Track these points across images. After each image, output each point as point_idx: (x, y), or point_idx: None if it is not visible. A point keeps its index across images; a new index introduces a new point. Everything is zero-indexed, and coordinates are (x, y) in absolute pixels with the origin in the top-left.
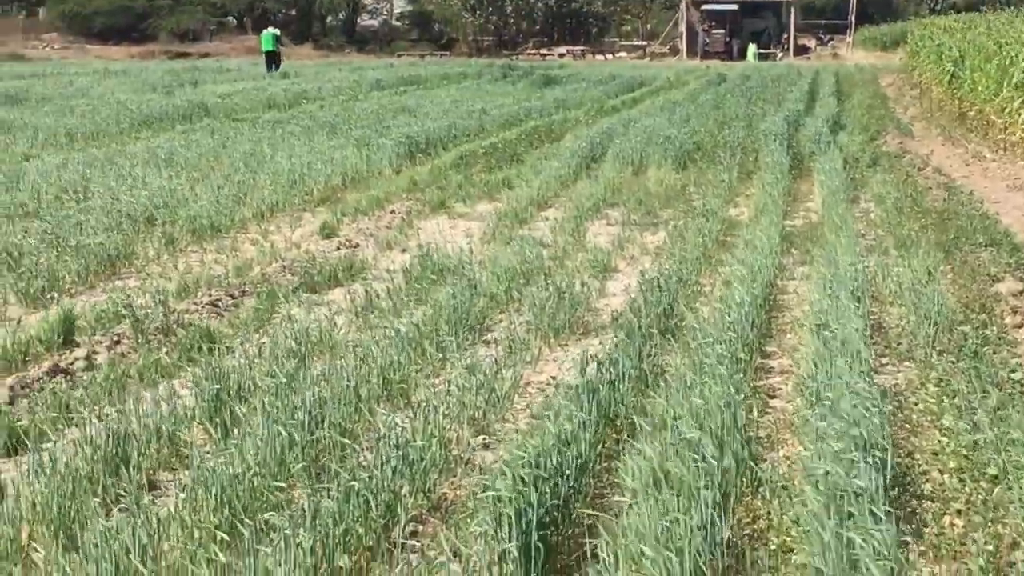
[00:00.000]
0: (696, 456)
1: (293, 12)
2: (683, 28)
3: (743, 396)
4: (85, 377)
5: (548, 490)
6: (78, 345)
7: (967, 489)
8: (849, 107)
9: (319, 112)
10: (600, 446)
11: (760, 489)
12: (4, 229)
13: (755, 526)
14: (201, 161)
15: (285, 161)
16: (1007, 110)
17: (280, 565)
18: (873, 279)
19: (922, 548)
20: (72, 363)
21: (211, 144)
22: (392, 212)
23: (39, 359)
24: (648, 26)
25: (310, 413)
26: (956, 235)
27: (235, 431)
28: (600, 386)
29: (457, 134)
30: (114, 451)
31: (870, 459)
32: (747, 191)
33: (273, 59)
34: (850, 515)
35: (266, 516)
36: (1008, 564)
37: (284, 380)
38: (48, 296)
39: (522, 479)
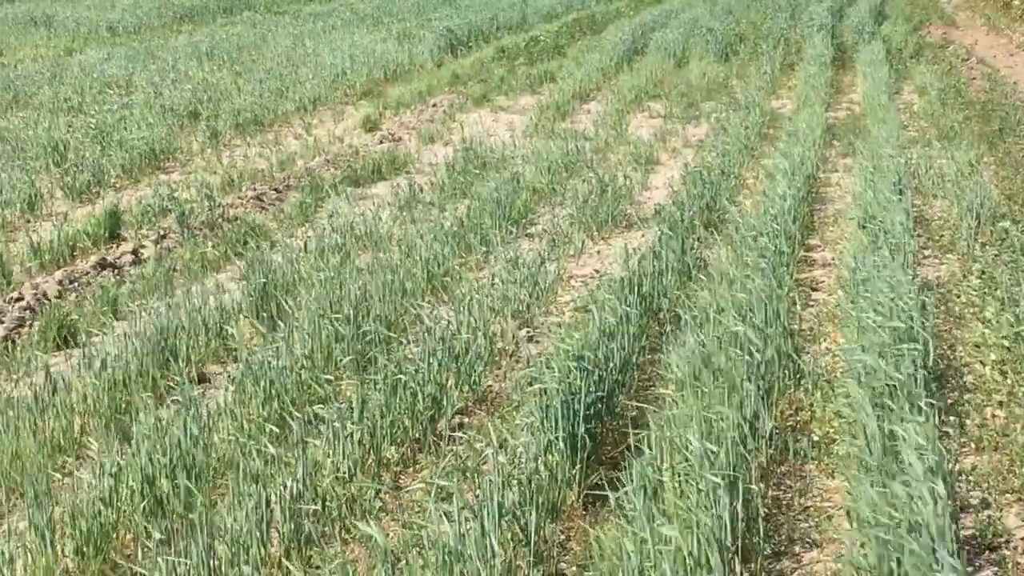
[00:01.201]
0: (739, 349)
1: None
2: None
3: (786, 289)
4: (132, 271)
5: (593, 382)
6: (124, 239)
7: (1009, 381)
8: None
9: (360, 4)
10: (644, 339)
11: (803, 381)
12: (49, 124)
13: (797, 418)
14: (243, 54)
15: (327, 54)
16: None
17: (329, 456)
18: (916, 171)
19: (963, 439)
20: (119, 257)
21: (252, 37)
22: (434, 106)
23: (86, 253)
24: None
25: (356, 307)
26: (1000, 127)
27: (282, 324)
28: (643, 279)
29: (499, 26)
30: (162, 344)
31: (912, 351)
32: (789, 83)
33: None
34: (891, 407)
35: (314, 409)
36: None
37: (330, 274)
38: (93, 191)
39: (568, 371)
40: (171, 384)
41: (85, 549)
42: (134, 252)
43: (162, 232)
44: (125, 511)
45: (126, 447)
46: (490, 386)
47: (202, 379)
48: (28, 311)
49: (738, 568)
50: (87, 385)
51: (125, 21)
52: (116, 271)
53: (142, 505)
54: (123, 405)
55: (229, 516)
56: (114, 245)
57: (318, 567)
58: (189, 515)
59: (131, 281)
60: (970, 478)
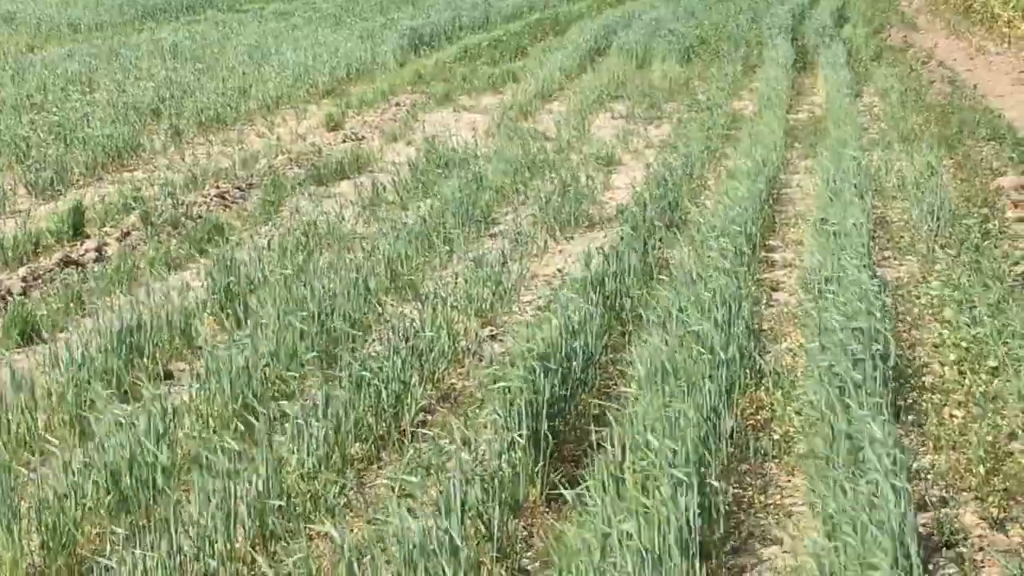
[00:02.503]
0: (700, 348)
1: None
2: None
3: (747, 289)
4: (96, 268)
5: (556, 381)
6: (88, 236)
7: (967, 381)
8: (854, 0)
9: (323, 4)
10: (606, 337)
11: (763, 380)
12: (12, 121)
13: (758, 416)
14: (206, 53)
15: (290, 53)
16: (1012, 3)
17: (293, 453)
18: (876, 173)
19: (923, 438)
20: (83, 254)
21: (215, 35)
22: (397, 105)
23: (50, 250)
24: None
25: (320, 305)
26: (959, 129)
27: (246, 322)
28: (606, 279)
29: (462, 26)
30: (127, 341)
31: (872, 351)
32: (751, 84)
33: None
34: (851, 406)
35: (279, 405)
36: (1006, 454)
37: (293, 272)
38: (57, 188)
39: (531, 369)
40: (136, 381)
41: (51, 544)
42: (98, 249)
43: (126, 230)
44: (90, 507)
45: (90, 443)
46: (454, 384)
47: (167, 376)
48: None
49: (698, 564)
50: (51, 382)
51: (87, 18)
52: (80, 268)
53: (107, 500)
54: (87, 402)
55: (194, 512)
56: (78, 242)
57: (283, 562)
58: (154, 511)
59: (95, 278)
60: (929, 476)
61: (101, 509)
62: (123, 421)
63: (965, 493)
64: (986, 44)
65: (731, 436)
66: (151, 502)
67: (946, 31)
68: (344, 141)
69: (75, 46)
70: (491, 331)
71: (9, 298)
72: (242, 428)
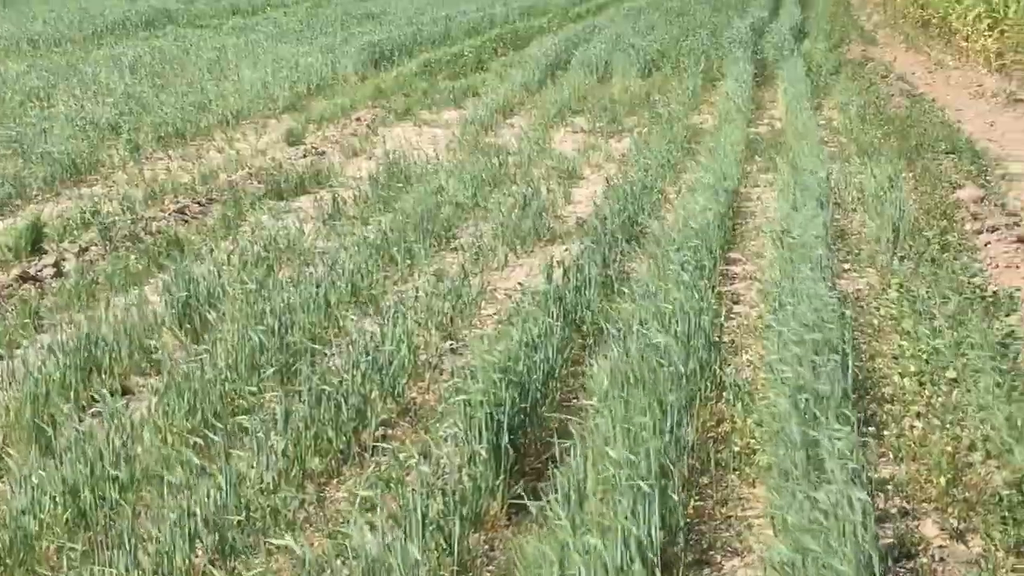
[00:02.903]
0: (662, 360)
1: None
2: None
3: (708, 302)
4: (54, 284)
5: (517, 394)
6: (46, 252)
7: (926, 392)
8: (813, 15)
9: (283, 19)
10: (567, 351)
11: (724, 393)
12: None
13: (719, 429)
14: (165, 68)
15: (250, 68)
16: (969, 18)
17: (253, 467)
18: (836, 186)
19: (882, 449)
20: (41, 270)
21: (175, 51)
22: (358, 120)
23: (7, 266)
24: None
25: (280, 319)
26: (918, 143)
27: (206, 336)
28: (567, 292)
29: (422, 41)
30: (86, 356)
31: (832, 363)
32: (711, 98)
33: None
34: (812, 417)
35: (238, 420)
36: (966, 465)
37: (253, 286)
38: (15, 204)
39: (493, 383)
40: (94, 396)
41: (8, 560)
42: (56, 265)
43: (85, 245)
44: (48, 522)
45: (48, 459)
46: (414, 398)
47: (125, 391)
48: None
49: None
50: (9, 398)
51: (46, 34)
52: (38, 284)
53: (65, 516)
54: (46, 417)
55: (153, 527)
56: (36, 258)
57: None
58: (113, 526)
59: (53, 294)
60: (889, 487)
61: (59, 525)
62: (82, 436)
63: (925, 504)
64: (944, 58)
65: (692, 448)
66: (110, 517)
67: (905, 45)
68: (305, 156)
69: (34, 61)
70: (452, 345)
71: None
72: (201, 443)
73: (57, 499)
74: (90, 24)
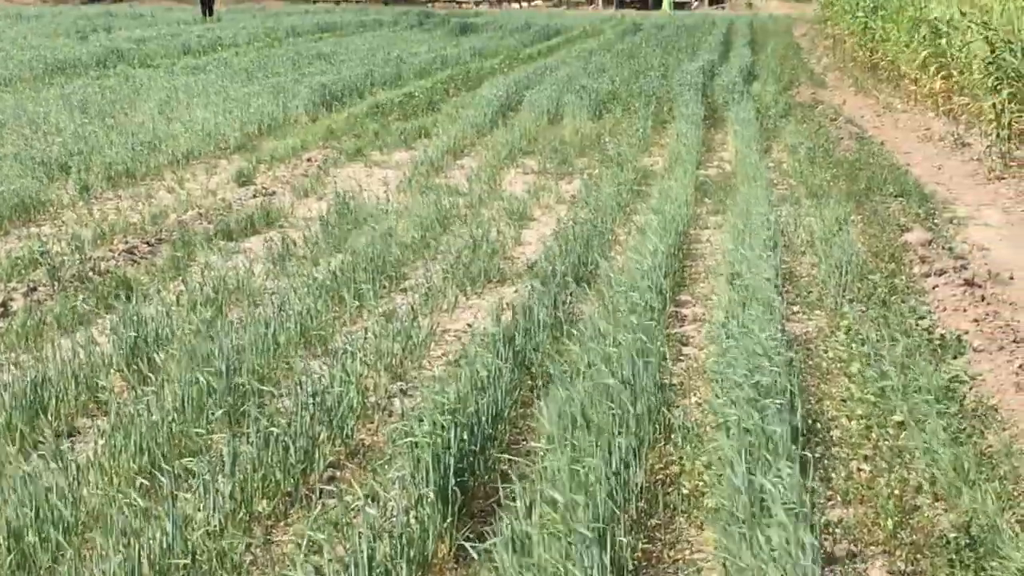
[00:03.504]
0: (610, 403)
1: None
2: None
3: (657, 344)
4: (1, 324)
5: (465, 436)
6: None
7: (873, 435)
8: (763, 57)
9: (234, 59)
10: (516, 392)
11: (673, 435)
12: None
13: (668, 471)
14: (115, 108)
15: (200, 108)
16: (917, 61)
17: (199, 510)
18: (785, 229)
19: (830, 493)
20: None
21: (125, 91)
22: (308, 160)
23: None
24: None
25: (228, 360)
26: (867, 185)
27: (153, 378)
28: (516, 334)
29: (374, 82)
30: (32, 398)
31: (779, 406)
32: (662, 140)
33: (208, 3)
34: (760, 460)
35: (185, 462)
36: (913, 508)
37: (202, 328)
38: None
39: (440, 425)
40: (39, 438)
41: None
42: (2, 305)
43: (32, 285)
44: None
45: None
46: (362, 440)
47: (71, 432)
48: None
49: None
50: None
51: None
52: None
53: (8, 560)
54: None
55: (98, 570)
56: None
57: None
58: (57, 569)
59: (0, 334)
60: (837, 530)
61: (1, 568)
62: (26, 478)
63: (873, 547)
64: (893, 101)
65: (641, 491)
66: (54, 560)
67: (854, 88)
68: (255, 196)
69: None
70: (401, 386)
71: None
72: (147, 485)
73: (0, 541)
74: (39, 63)
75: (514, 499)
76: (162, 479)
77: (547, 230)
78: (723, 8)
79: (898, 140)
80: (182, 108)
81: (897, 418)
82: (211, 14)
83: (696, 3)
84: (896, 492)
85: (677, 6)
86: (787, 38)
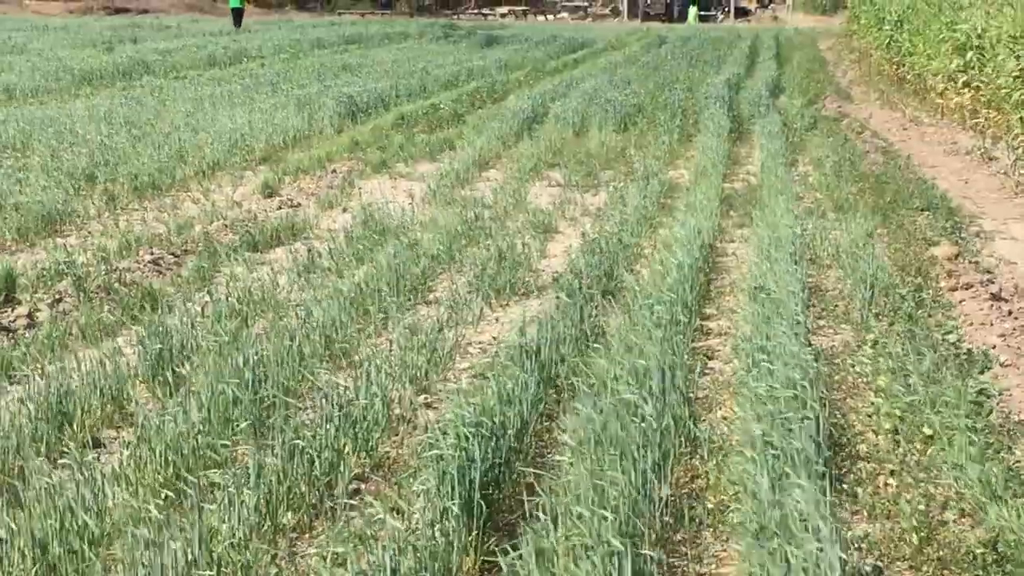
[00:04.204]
0: (635, 416)
1: None
2: None
3: (682, 357)
4: (27, 335)
5: (490, 449)
6: (19, 303)
7: (901, 450)
8: (789, 71)
9: (260, 70)
10: (541, 405)
11: (698, 449)
12: None
13: (693, 485)
14: (142, 119)
15: (226, 119)
16: (944, 75)
17: (224, 522)
18: (811, 242)
19: (856, 508)
20: (13, 321)
21: (152, 102)
22: (334, 172)
23: None
24: None
25: (253, 372)
26: (893, 199)
27: (179, 389)
28: (541, 347)
29: (399, 94)
30: (57, 408)
31: (805, 420)
32: (687, 153)
33: (239, 15)
34: (786, 475)
35: (210, 474)
36: (940, 523)
37: (227, 339)
38: None
39: (465, 437)
40: (65, 449)
41: None
42: (29, 316)
43: (58, 296)
44: None
45: (18, 511)
46: (387, 452)
47: (97, 444)
48: None
49: None
50: None
51: (23, 84)
52: (10, 335)
53: (34, 570)
54: (15, 470)
55: None
56: (8, 308)
57: None
58: None
59: (26, 345)
60: (863, 546)
61: None
62: (52, 489)
63: (899, 562)
64: (919, 115)
65: (666, 505)
66: (79, 571)
67: (880, 102)
68: (280, 208)
69: (9, 111)
70: (426, 399)
71: None
72: (172, 497)
73: (26, 552)
74: (67, 74)
75: (539, 512)
76: (188, 490)
77: (572, 243)
78: (749, 21)
79: (924, 154)
80: (208, 119)
81: (925, 432)
82: (239, 25)
83: (721, 16)
84: (922, 507)
85: (702, 19)
86: (813, 51)
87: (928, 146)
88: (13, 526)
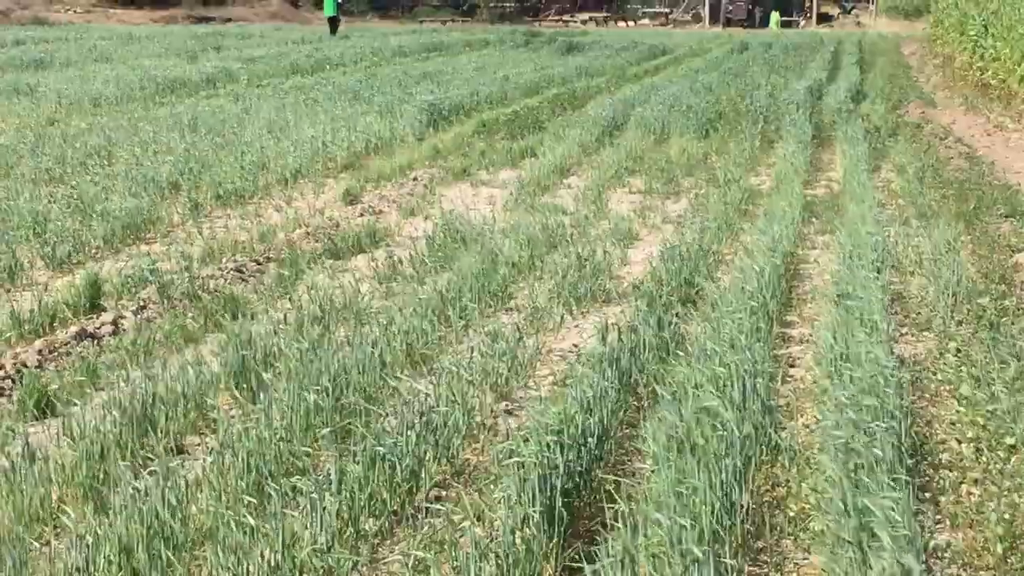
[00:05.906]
0: (716, 424)
1: None
2: None
3: (763, 365)
4: (112, 341)
5: (571, 456)
6: (104, 310)
7: (984, 459)
8: (871, 76)
9: (342, 78)
10: (622, 413)
11: (780, 457)
12: (30, 194)
13: (774, 493)
14: (225, 127)
15: (308, 127)
16: None
17: (307, 528)
18: (893, 249)
19: (938, 517)
20: (99, 327)
21: (235, 110)
22: (415, 179)
23: (66, 323)
24: None
25: (335, 379)
26: (976, 206)
27: (261, 396)
28: (621, 354)
29: (480, 101)
30: (142, 415)
31: (887, 428)
32: (769, 160)
33: (335, 23)
34: (867, 483)
35: (293, 480)
36: None
37: (308, 346)
38: (74, 261)
39: (546, 445)
40: (149, 455)
41: None
42: (114, 323)
43: (142, 303)
44: None
45: (103, 517)
46: (468, 459)
47: (180, 450)
48: (7, 380)
49: None
50: (65, 455)
51: (108, 93)
52: (96, 341)
53: (119, 575)
54: (101, 475)
55: None
56: (94, 315)
57: None
58: None
59: (111, 351)
60: (945, 555)
61: None
62: (137, 495)
63: (982, 572)
64: (1003, 120)
65: (747, 513)
66: None
67: (963, 107)
68: (361, 215)
69: (95, 120)
70: (506, 406)
71: (24, 371)
72: (255, 503)
73: (112, 558)
74: (151, 83)
75: (620, 520)
76: (272, 496)
77: (653, 250)
78: (831, 26)
79: (1009, 159)
80: (290, 127)
81: (1008, 441)
82: (335, 32)
83: (803, 21)
84: (1006, 517)
85: (784, 24)
86: (896, 56)
87: (1013, 152)
88: (99, 532)
